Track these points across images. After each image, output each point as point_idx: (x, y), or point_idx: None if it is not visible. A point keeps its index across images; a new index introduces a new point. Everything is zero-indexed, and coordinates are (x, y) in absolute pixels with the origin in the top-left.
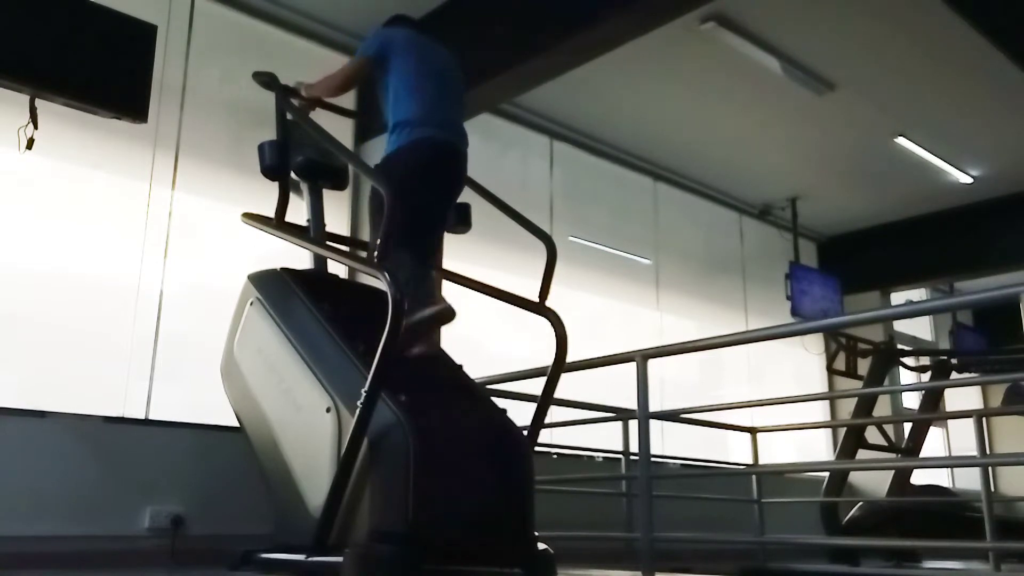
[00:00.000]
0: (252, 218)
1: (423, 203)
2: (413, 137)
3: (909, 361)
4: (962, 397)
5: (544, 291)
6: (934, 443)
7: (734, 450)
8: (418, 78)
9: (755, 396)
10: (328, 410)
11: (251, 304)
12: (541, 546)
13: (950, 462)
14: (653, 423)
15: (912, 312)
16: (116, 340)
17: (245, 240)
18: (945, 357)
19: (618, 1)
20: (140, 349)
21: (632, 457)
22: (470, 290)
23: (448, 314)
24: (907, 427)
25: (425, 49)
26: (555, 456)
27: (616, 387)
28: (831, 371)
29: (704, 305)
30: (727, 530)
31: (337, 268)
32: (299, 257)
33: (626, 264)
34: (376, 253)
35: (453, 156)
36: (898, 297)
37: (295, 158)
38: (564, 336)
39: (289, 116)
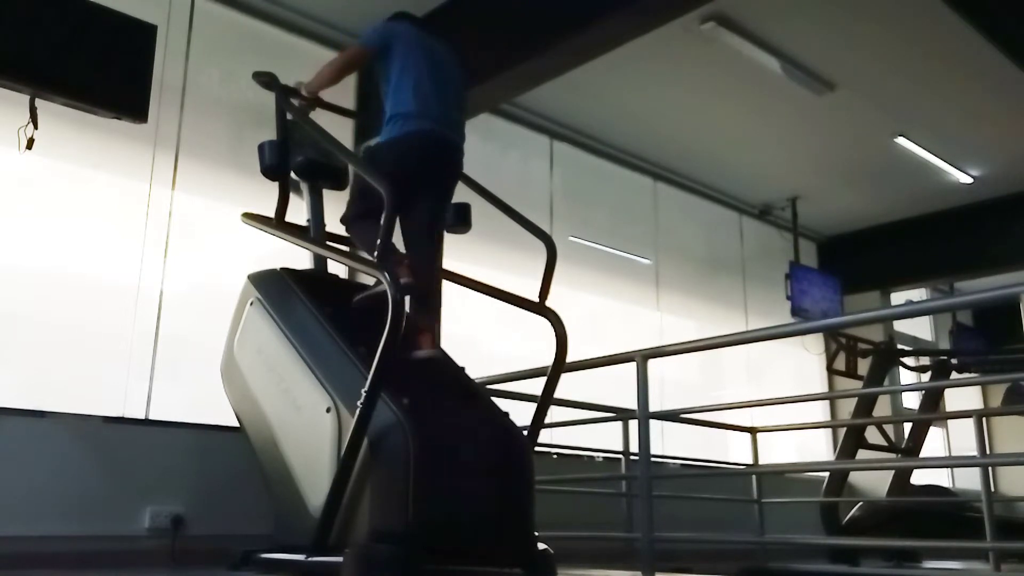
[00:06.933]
0: (252, 218)
1: (408, 194)
2: (406, 129)
3: (909, 361)
4: (962, 397)
5: (544, 291)
6: (934, 443)
7: (734, 450)
8: (418, 72)
9: (755, 396)
10: (328, 410)
11: (251, 304)
12: (541, 546)
13: (950, 462)
14: (653, 423)
15: (912, 312)
16: (116, 340)
17: (245, 240)
18: (945, 357)
19: (618, 1)
20: (140, 349)
21: (632, 457)
22: (470, 290)
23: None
24: (907, 427)
25: (427, 45)
26: (555, 456)
27: (616, 387)
28: (831, 371)
29: (704, 305)
30: (727, 530)
31: (337, 268)
32: (299, 257)
33: (626, 264)
34: (376, 253)
35: (445, 150)
36: (898, 297)
37: (295, 158)
38: (564, 336)
39: (289, 116)
